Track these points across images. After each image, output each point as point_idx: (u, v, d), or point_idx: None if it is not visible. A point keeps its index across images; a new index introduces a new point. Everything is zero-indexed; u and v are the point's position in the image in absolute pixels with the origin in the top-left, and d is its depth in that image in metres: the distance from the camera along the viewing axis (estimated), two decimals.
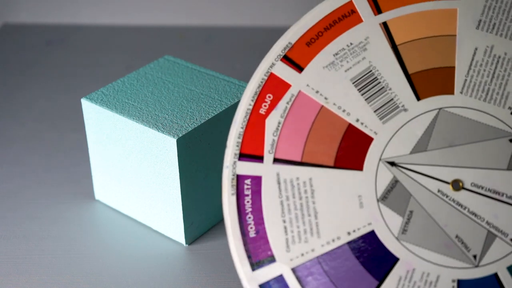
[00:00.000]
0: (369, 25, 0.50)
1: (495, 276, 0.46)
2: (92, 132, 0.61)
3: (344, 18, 0.50)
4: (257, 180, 0.48)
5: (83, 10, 0.95)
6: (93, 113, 0.60)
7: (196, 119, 0.56)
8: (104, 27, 0.95)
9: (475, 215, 0.47)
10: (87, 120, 0.61)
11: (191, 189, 0.57)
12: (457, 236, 0.47)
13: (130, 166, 0.59)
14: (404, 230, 0.47)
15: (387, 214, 0.47)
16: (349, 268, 0.47)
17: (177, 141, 0.54)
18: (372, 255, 0.47)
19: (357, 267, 0.47)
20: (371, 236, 0.47)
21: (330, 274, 0.47)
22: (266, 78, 0.50)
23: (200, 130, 0.56)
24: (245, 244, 0.47)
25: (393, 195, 0.48)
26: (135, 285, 0.55)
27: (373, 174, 0.48)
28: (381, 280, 0.47)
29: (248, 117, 0.49)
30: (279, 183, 0.48)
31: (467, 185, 0.48)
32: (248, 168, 0.48)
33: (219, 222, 0.62)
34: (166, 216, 0.59)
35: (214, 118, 0.57)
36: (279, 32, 0.82)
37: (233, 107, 0.58)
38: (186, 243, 0.59)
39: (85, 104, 0.60)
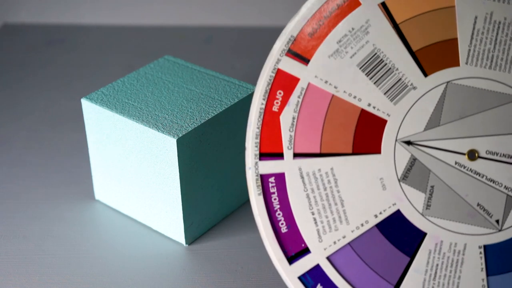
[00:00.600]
0: (368, 7, 0.50)
1: None
2: (92, 132, 0.61)
3: (343, 3, 0.50)
4: (280, 177, 0.50)
5: (83, 10, 0.95)
6: (93, 113, 0.60)
7: (196, 119, 0.57)
8: (104, 27, 0.94)
9: (493, 181, 0.49)
10: (87, 120, 0.61)
11: (191, 189, 0.58)
12: (478, 204, 0.49)
13: (130, 166, 0.60)
14: (427, 206, 0.49)
15: (409, 192, 0.49)
16: (381, 249, 0.49)
17: (177, 141, 0.55)
18: (400, 233, 0.49)
19: (388, 247, 0.49)
20: (397, 216, 0.49)
21: (364, 257, 0.49)
22: (274, 75, 0.50)
23: (200, 130, 0.56)
24: (279, 240, 0.49)
25: (413, 173, 0.49)
26: (135, 285, 0.56)
27: (391, 155, 0.49)
28: (412, 255, 0.49)
29: (262, 116, 0.50)
30: (302, 177, 0.50)
31: (483, 154, 0.49)
32: (270, 166, 0.50)
33: (219, 222, 0.62)
34: (166, 216, 0.59)
35: (214, 118, 0.57)
36: (279, 32, 0.81)
37: (233, 107, 0.58)
38: (186, 243, 0.60)
39: (85, 104, 0.60)
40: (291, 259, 0.49)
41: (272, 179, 0.50)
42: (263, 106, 0.50)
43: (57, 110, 0.78)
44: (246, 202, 0.64)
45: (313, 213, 0.49)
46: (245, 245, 0.60)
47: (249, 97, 0.60)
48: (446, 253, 0.49)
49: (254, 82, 0.75)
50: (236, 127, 0.59)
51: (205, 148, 0.57)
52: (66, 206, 0.64)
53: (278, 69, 0.50)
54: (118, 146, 0.60)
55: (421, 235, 0.49)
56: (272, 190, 0.50)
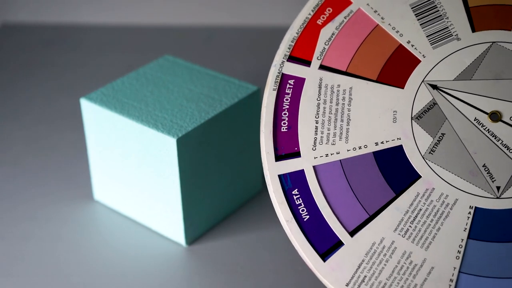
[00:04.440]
0: None
1: None
2: (91, 132, 0.60)
3: None
4: (300, 81, 0.50)
5: (83, 10, 0.95)
6: (92, 113, 0.59)
7: (196, 119, 0.56)
8: (104, 27, 0.94)
9: (508, 148, 0.46)
10: (86, 120, 0.60)
11: (191, 189, 0.56)
12: (484, 165, 0.46)
13: (130, 166, 0.58)
14: (432, 151, 0.47)
15: (418, 133, 0.47)
16: (369, 176, 0.47)
17: (177, 141, 0.54)
18: (395, 168, 0.47)
19: (377, 176, 0.47)
20: (397, 150, 0.47)
21: (349, 178, 0.47)
22: None
23: (200, 130, 0.55)
24: (275, 136, 0.49)
25: (428, 116, 0.48)
26: (134, 285, 0.55)
27: (413, 93, 0.48)
28: (399, 193, 0.46)
29: (305, 25, 0.51)
30: (320, 87, 0.49)
31: (506, 118, 0.47)
32: (294, 69, 0.50)
33: (219, 222, 0.61)
34: (166, 216, 0.58)
35: (214, 118, 0.56)
36: (279, 32, 0.78)
37: (233, 107, 0.57)
38: (186, 244, 0.58)
39: (85, 104, 0.59)
40: (280, 158, 0.48)
41: (291, 81, 0.50)
42: (309, 17, 0.51)
43: (56, 110, 0.77)
44: (246, 202, 0.63)
45: (317, 122, 0.49)
46: (245, 246, 0.58)
47: (249, 97, 0.58)
48: (434, 201, 0.46)
49: (254, 82, 0.71)
50: (236, 127, 0.59)
51: (205, 148, 0.56)
52: (65, 207, 0.62)
53: None
54: (118, 146, 0.58)
55: (415, 176, 0.47)
56: (287, 91, 0.50)
